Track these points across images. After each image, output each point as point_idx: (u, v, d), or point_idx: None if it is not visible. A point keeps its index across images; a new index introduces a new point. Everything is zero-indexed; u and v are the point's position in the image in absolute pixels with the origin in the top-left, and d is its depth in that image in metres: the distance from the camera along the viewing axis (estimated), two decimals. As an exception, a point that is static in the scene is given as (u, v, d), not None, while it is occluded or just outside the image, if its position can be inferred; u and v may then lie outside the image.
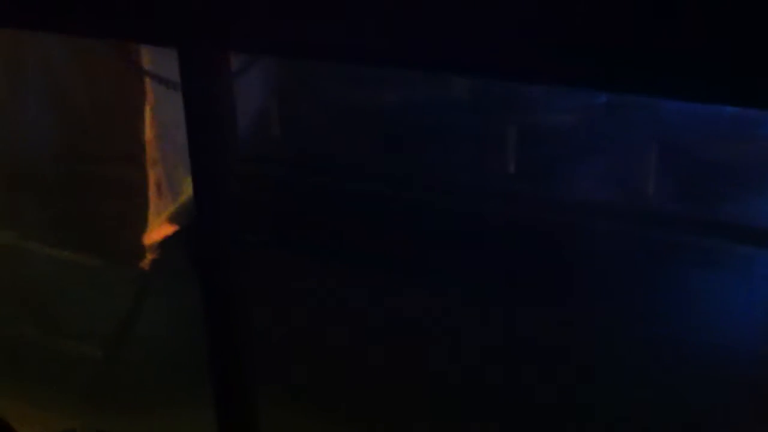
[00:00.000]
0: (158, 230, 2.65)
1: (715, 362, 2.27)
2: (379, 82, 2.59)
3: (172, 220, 2.62)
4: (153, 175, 2.65)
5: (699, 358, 2.30)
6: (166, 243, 2.65)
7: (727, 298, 2.33)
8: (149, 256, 2.70)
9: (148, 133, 2.63)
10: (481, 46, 1.21)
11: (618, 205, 2.43)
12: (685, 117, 2.33)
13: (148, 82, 2.43)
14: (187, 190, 2.48)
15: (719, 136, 2.33)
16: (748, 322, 2.28)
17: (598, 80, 1.20)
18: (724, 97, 1.20)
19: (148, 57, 2.35)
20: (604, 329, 2.38)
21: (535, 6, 1.15)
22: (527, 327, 2.46)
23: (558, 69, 1.18)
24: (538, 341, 2.45)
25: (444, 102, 2.57)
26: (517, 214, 2.49)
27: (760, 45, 1.04)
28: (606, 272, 2.38)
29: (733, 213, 2.35)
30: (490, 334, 2.51)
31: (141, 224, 2.70)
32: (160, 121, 2.59)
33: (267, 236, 2.62)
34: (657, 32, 1.10)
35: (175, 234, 2.61)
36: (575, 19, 1.13)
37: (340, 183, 2.67)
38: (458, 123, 2.57)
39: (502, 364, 2.49)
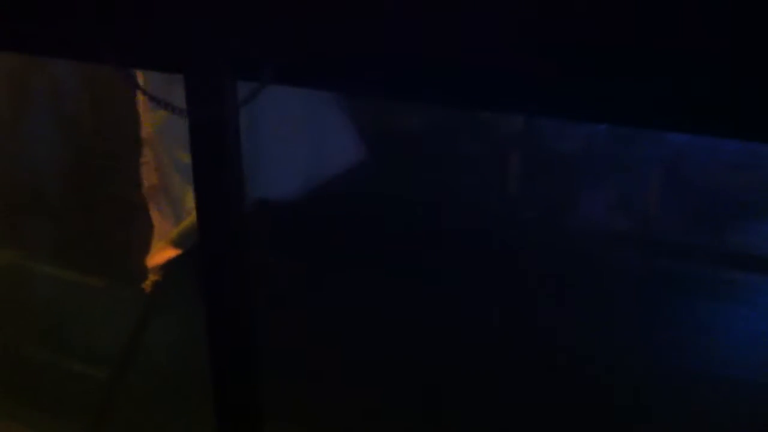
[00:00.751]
0: (163, 252, 2.66)
1: (720, 394, 2.26)
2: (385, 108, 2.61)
3: (176, 242, 2.63)
4: (158, 198, 2.66)
5: (702, 389, 2.29)
6: (171, 264, 2.66)
7: (732, 328, 2.32)
8: (154, 278, 2.71)
9: (153, 154, 2.64)
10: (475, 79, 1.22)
11: (623, 232, 2.44)
12: (689, 144, 2.34)
13: (151, 107, 2.44)
14: (193, 212, 2.49)
15: (725, 163, 2.33)
16: (754, 353, 2.28)
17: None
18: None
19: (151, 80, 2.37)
20: (605, 357, 2.38)
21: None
22: (529, 354, 2.46)
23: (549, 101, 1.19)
24: (540, 370, 2.44)
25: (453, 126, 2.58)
26: (523, 239, 2.50)
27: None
28: (609, 300, 2.38)
29: (738, 242, 2.35)
30: (495, 358, 2.50)
31: (146, 246, 2.71)
32: (164, 144, 2.60)
33: (275, 255, 2.63)
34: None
35: (180, 256, 2.62)
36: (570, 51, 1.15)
37: (351, 205, 2.69)
38: (464, 147, 2.59)
39: (506, 390, 2.49)
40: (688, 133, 1.70)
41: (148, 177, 2.66)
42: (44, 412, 2.81)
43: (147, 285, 2.69)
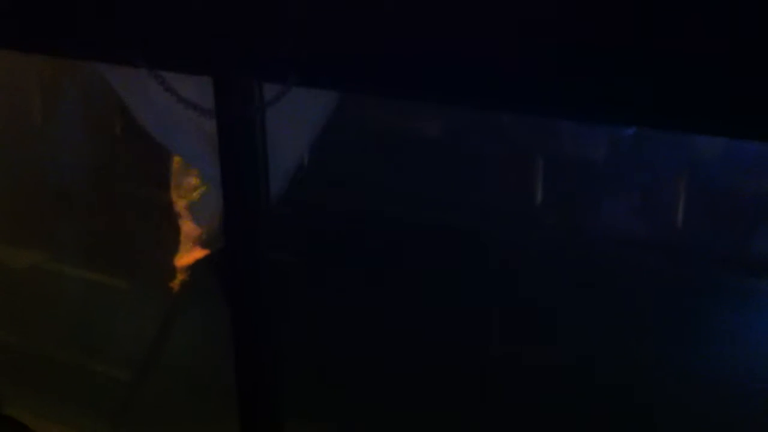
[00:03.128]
0: (191, 252, 2.67)
1: (743, 402, 2.26)
2: (400, 111, 2.62)
3: (203, 243, 2.64)
4: (185, 199, 2.68)
5: (724, 396, 2.28)
6: (196, 266, 2.67)
7: (753, 336, 2.32)
8: (180, 279, 2.72)
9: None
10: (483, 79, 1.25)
11: (646, 238, 2.44)
12: (713, 150, 2.34)
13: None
14: (219, 214, 2.51)
15: (747, 169, 2.33)
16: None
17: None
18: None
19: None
20: (625, 363, 2.38)
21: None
22: (547, 357, 2.47)
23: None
24: (562, 376, 2.45)
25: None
26: (544, 244, 2.50)
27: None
28: (629, 306, 2.38)
29: (762, 248, 2.34)
30: (514, 362, 2.51)
31: (172, 247, 2.73)
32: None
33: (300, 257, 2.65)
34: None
35: (206, 257, 2.64)
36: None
37: (372, 206, 2.70)
38: (487, 151, 2.60)
39: (527, 397, 2.49)
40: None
41: (183, 178, 2.67)
42: (71, 410, 2.84)
43: (175, 284, 2.70)
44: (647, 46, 1.14)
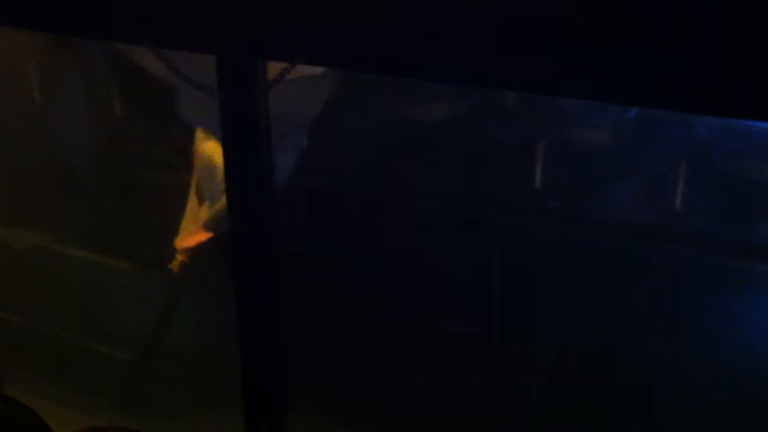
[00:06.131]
0: (193, 236, 2.67)
1: (746, 387, 2.25)
2: (405, 95, 2.60)
3: (207, 226, 2.64)
4: (189, 181, 2.67)
5: (728, 381, 2.28)
6: (200, 248, 2.67)
7: (759, 320, 2.31)
8: (183, 261, 2.72)
9: (185, 138, 2.65)
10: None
11: (649, 223, 2.42)
12: (719, 133, 2.32)
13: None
14: (223, 196, 2.51)
15: (754, 153, 2.31)
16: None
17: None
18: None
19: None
20: (633, 352, 2.37)
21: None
22: (552, 346, 2.46)
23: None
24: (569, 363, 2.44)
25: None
26: (548, 230, 2.49)
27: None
28: (637, 293, 2.36)
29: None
30: (520, 351, 2.50)
31: (176, 229, 2.72)
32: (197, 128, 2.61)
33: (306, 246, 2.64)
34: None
35: (210, 240, 2.63)
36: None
37: (383, 194, 2.69)
38: (492, 137, 2.58)
39: (535, 383, 2.48)
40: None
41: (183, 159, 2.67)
42: (72, 390, 2.84)
43: (174, 266, 2.70)
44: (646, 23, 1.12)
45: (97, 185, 3.16)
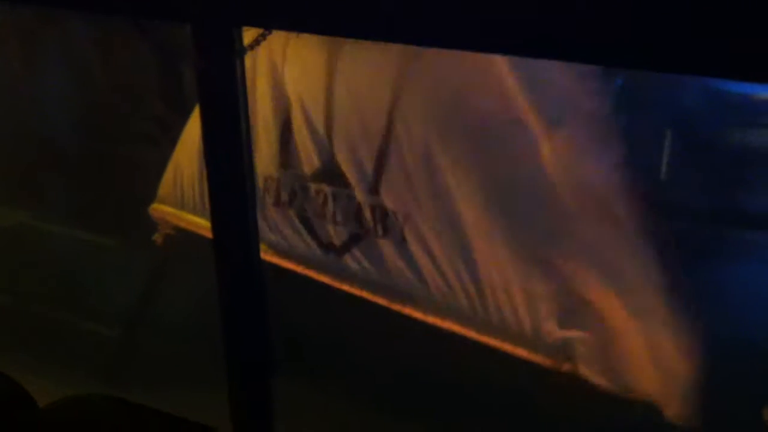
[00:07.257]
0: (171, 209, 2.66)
1: (741, 355, 2.24)
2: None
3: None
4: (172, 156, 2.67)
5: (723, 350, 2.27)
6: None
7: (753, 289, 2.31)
8: (165, 236, 2.72)
9: (169, 112, 2.65)
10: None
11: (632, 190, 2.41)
12: (703, 104, 2.32)
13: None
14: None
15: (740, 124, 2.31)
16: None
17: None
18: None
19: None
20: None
21: None
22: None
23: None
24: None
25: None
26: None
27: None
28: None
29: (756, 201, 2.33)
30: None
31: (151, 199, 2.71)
32: (180, 101, 2.61)
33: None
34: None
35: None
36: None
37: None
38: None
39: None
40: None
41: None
42: (59, 366, 2.84)
43: (158, 238, 2.69)
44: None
45: (79, 161, 3.16)
